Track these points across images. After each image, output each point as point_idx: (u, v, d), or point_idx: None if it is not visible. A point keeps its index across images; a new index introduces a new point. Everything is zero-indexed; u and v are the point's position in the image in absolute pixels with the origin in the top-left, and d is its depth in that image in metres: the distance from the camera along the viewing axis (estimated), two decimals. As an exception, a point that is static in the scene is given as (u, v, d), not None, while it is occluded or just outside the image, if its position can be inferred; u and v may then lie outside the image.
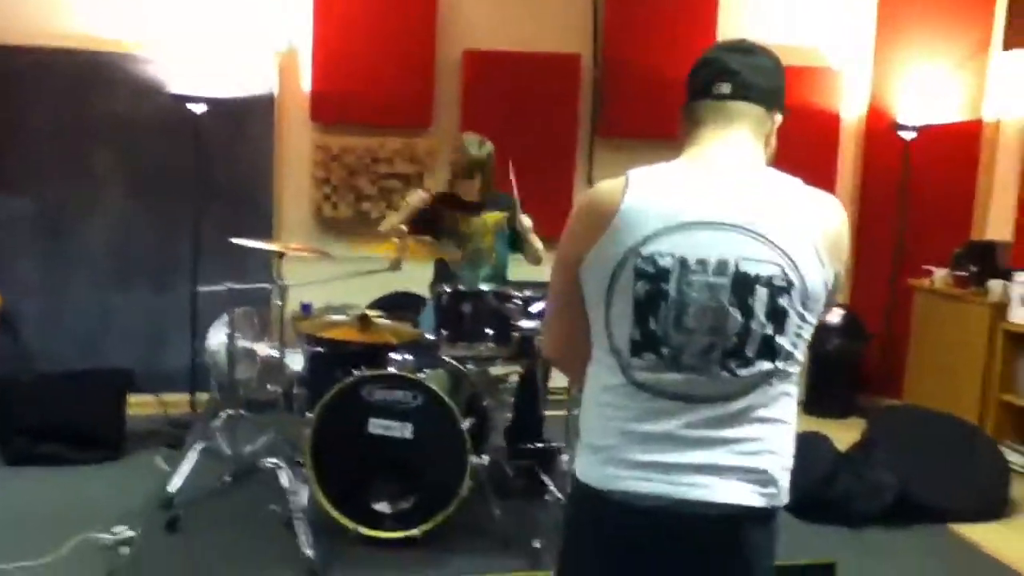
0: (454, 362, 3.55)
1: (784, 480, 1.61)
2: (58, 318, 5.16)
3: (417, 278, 4.24)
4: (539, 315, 3.36)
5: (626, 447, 1.57)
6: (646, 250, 1.53)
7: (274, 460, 3.33)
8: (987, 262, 5.21)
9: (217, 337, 4.57)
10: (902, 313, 5.62)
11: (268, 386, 3.91)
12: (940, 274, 5.42)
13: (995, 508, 4.13)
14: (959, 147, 5.62)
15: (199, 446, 3.70)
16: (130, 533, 3.43)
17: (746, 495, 1.55)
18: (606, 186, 1.61)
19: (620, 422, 1.58)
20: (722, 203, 1.54)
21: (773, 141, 1.69)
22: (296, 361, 4.01)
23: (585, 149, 5.58)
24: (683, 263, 1.52)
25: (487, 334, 3.40)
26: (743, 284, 1.51)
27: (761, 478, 1.56)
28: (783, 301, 1.52)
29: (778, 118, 1.68)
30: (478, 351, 3.45)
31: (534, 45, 5.40)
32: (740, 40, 1.71)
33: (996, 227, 5.48)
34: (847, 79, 5.74)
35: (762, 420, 1.56)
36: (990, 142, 5.57)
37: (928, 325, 5.44)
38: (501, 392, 4.01)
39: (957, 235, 5.53)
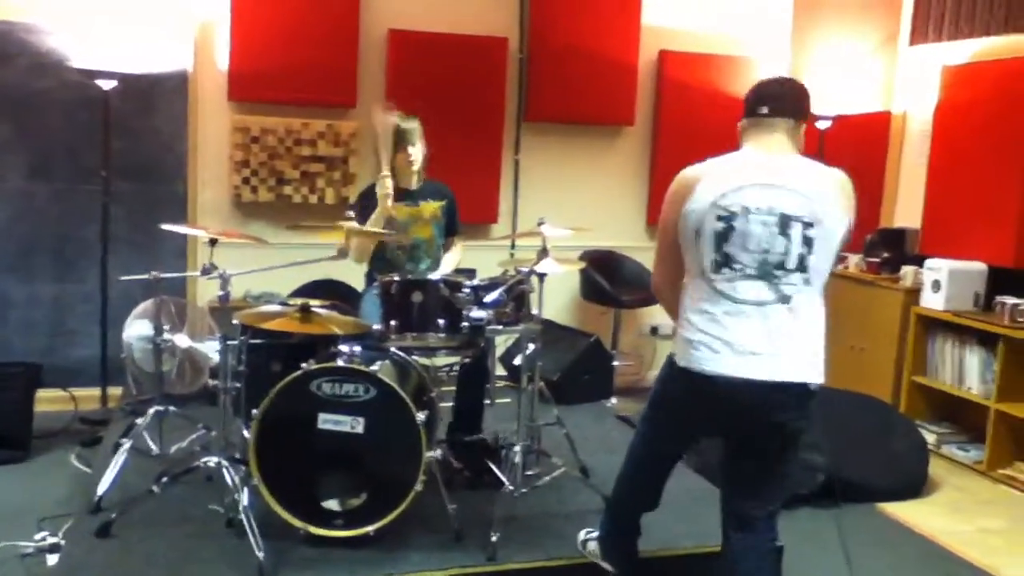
0: (401, 353, 3.45)
1: (817, 364, 2.41)
2: (-51, 308, 4.79)
3: (340, 266, 4.00)
4: (492, 304, 3.29)
5: (710, 339, 2.40)
6: (721, 202, 2.41)
7: (216, 458, 3.13)
8: (898, 249, 5.44)
9: (134, 328, 4.33)
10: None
11: (201, 379, 3.69)
12: (853, 260, 5.62)
13: (916, 485, 4.32)
14: (870, 137, 5.83)
15: (126, 444, 3.47)
16: (54, 540, 3.20)
17: (786, 374, 2.36)
18: (690, 169, 2.51)
19: (706, 322, 2.42)
20: (768, 172, 2.43)
21: (801, 140, 2.56)
22: (215, 353, 3.80)
23: (512, 133, 5.52)
24: (745, 209, 2.39)
25: (437, 324, 3.31)
26: (785, 221, 2.37)
27: (797, 361, 2.38)
28: (811, 232, 2.37)
29: (803, 126, 2.56)
30: (427, 341, 3.35)
31: (460, 27, 5.30)
32: (778, 76, 2.73)
33: (904, 215, 5.71)
34: (763, 68, 5.84)
35: (799, 318, 2.38)
36: (898, 132, 5.80)
37: (841, 309, 5.60)
38: (442, 383, 3.92)
39: (868, 222, 5.74)
